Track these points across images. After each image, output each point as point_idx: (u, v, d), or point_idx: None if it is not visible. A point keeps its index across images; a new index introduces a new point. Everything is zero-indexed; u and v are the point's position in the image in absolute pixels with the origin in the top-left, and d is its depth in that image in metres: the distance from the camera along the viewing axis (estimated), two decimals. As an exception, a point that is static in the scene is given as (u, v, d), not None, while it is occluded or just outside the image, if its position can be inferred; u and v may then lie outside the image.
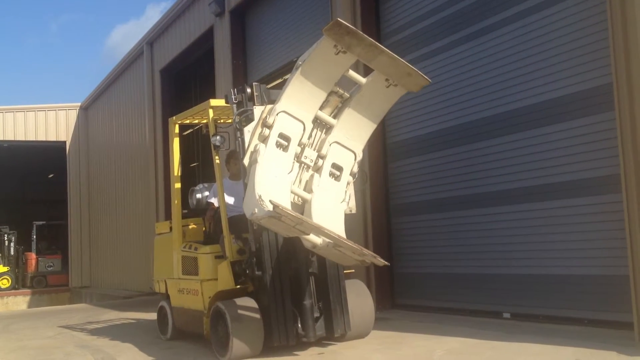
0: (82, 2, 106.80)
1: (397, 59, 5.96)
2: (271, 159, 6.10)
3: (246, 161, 6.20)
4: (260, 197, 5.69)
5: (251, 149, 6.18)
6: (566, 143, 7.21)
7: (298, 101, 6.18)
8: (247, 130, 6.32)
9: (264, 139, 6.13)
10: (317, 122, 6.42)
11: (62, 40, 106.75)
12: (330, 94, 6.35)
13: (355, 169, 6.57)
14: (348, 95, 6.44)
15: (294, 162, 6.30)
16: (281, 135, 6.18)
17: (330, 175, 6.40)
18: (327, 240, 5.69)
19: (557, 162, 7.32)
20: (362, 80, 6.35)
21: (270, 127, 6.13)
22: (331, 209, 6.28)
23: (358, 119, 6.42)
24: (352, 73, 6.29)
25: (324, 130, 6.46)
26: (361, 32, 5.80)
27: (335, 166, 6.42)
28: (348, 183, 6.53)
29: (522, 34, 7.74)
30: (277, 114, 6.13)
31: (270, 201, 5.46)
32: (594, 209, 6.91)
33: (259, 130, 6.20)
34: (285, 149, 6.22)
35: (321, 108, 6.37)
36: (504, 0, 7.99)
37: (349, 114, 6.39)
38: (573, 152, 7.14)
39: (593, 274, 6.96)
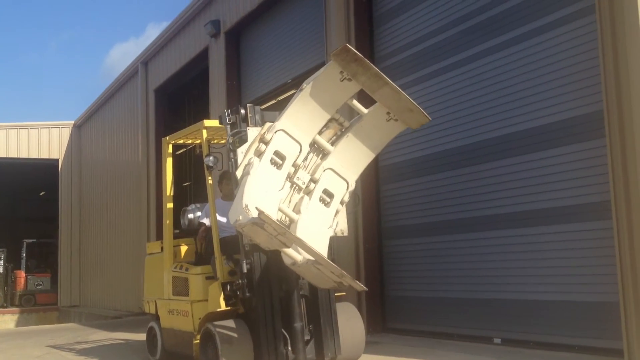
0: (82, 20, 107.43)
1: (401, 93, 5.92)
2: (263, 173, 6.09)
3: (239, 173, 6.20)
4: (246, 206, 5.67)
5: (245, 162, 6.19)
6: (557, 169, 7.25)
7: (298, 122, 6.18)
8: (241, 151, 6.33)
9: (259, 154, 6.13)
10: (314, 147, 6.41)
11: (61, 58, 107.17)
12: (331, 120, 6.33)
13: (347, 198, 6.53)
14: (348, 124, 6.44)
15: (285, 181, 6.30)
16: (276, 153, 6.18)
17: (320, 200, 6.36)
18: (308, 257, 5.65)
19: (548, 188, 7.35)
20: (364, 110, 6.32)
21: (267, 143, 6.13)
22: (316, 233, 6.23)
23: (355, 149, 6.39)
24: (355, 102, 6.29)
25: (320, 155, 6.44)
26: (368, 61, 5.74)
27: (327, 192, 6.38)
28: (337, 211, 6.50)
29: (514, 60, 7.82)
30: (275, 132, 6.14)
31: (255, 207, 5.45)
32: (585, 235, 6.93)
33: (255, 145, 6.21)
34: (279, 167, 6.21)
35: (320, 133, 6.35)
36: (497, 27, 8.08)
37: (347, 143, 6.37)
38: (564, 178, 7.18)
39: (584, 300, 6.96)
